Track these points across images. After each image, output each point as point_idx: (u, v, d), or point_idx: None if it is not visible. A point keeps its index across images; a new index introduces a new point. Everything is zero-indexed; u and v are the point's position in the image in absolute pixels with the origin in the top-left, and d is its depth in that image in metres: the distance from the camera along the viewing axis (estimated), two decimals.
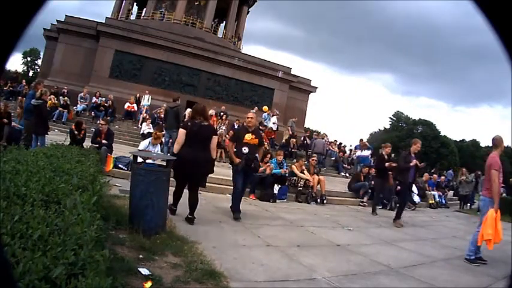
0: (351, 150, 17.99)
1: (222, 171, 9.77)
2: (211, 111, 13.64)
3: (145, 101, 15.28)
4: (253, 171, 5.77)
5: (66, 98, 14.01)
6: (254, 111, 5.66)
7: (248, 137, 5.51)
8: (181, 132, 4.80)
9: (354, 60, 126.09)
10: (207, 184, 7.17)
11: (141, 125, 13.66)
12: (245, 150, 5.45)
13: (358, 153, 15.07)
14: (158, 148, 7.71)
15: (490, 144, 5.36)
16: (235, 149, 5.57)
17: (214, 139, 4.91)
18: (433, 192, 12.69)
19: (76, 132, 7.90)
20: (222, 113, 15.16)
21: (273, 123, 15.70)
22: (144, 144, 7.68)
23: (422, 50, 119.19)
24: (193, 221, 4.81)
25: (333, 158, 16.55)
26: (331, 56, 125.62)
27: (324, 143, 14.99)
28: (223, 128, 13.98)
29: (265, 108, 16.87)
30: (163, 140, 9.29)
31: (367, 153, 15.02)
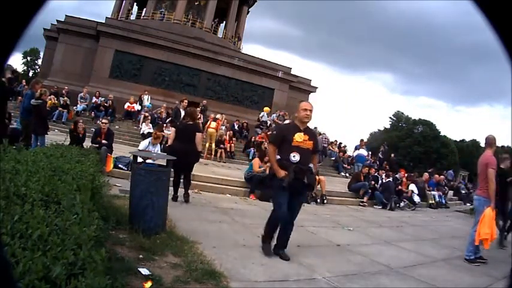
0: (344, 150, 17.98)
1: (222, 171, 9.79)
2: (218, 115, 13.79)
3: (145, 101, 15.29)
4: (307, 188, 4.07)
5: (66, 98, 14.01)
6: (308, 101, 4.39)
7: (299, 137, 3.89)
8: (172, 130, 6.45)
9: (353, 59, 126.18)
10: (207, 184, 7.62)
11: (141, 125, 13.67)
12: (295, 157, 3.82)
13: (356, 152, 15.31)
14: (158, 148, 7.70)
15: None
16: (278, 156, 3.94)
17: (198, 135, 6.10)
18: (433, 192, 12.69)
19: (75, 133, 7.90)
20: (202, 106, 15.08)
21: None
22: (144, 144, 7.68)
23: (422, 50, 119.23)
24: (188, 198, 6.09)
25: (333, 158, 16.58)
26: (330, 56, 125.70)
27: (321, 140, 15.16)
28: (224, 128, 14.02)
29: (266, 109, 16.81)
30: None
31: (364, 152, 15.25)
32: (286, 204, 3.88)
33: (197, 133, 6.06)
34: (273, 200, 4.19)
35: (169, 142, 6.26)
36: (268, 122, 15.69)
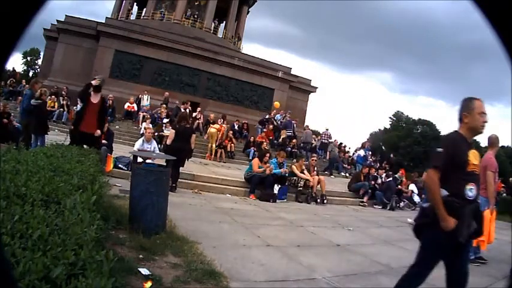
0: (345, 150, 18.17)
1: (222, 171, 9.80)
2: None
3: (145, 101, 15.29)
4: (473, 236, 2.62)
5: (66, 98, 14.00)
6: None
7: (474, 158, 2.52)
8: (172, 131, 7.34)
9: (352, 58, 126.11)
10: (207, 184, 7.72)
11: (141, 124, 13.68)
12: (471, 191, 2.44)
13: (356, 153, 15.71)
14: (154, 144, 7.70)
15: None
16: (445, 192, 2.42)
17: (193, 136, 7.33)
18: None
19: (75, 133, 7.89)
20: (164, 99, 15.04)
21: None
22: (138, 143, 7.69)
23: (421, 48, 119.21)
24: (175, 189, 6.72)
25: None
26: (329, 55, 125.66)
27: (311, 134, 16.48)
28: (224, 126, 14.07)
29: (276, 104, 16.70)
30: None
31: (362, 153, 15.64)
32: (433, 265, 2.55)
33: (192, 135, 7.32)
34: (420, 258, 2.63)
35: (168, 142, 7.14)
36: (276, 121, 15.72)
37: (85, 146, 5.27)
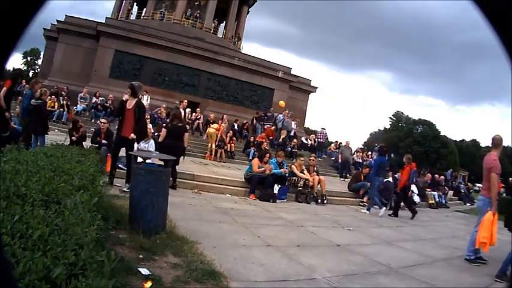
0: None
1: (222, 171, 9.79)
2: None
3: (145, 101, 15.29)
4: None
5: (66, 98, 14.00)
6: None
7: None
8: (163, 130, 7.44)
9: (351, 58, 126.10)
10: (207, 184, 7.74)
11: None
12: None
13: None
14: (151, 143, 7.70)
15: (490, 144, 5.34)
16: None
17: (186, 135, 7.43)
18: (433, 192, 12.70)
19: (74, 132, 7.91)
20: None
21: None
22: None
23: (420, 48, 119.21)
24: (176, 187, 6.90)
25: (333, 158, 16.64)
26: (327, 54, 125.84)
27: (291, 123, 16.29)
28: (224, 125, 14.09)
29: (281, 103, 16.64)
30: None
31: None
32: None
33: (185, 133, 7.38)
34: None
35: (160, 139, 7.30)
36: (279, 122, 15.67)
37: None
